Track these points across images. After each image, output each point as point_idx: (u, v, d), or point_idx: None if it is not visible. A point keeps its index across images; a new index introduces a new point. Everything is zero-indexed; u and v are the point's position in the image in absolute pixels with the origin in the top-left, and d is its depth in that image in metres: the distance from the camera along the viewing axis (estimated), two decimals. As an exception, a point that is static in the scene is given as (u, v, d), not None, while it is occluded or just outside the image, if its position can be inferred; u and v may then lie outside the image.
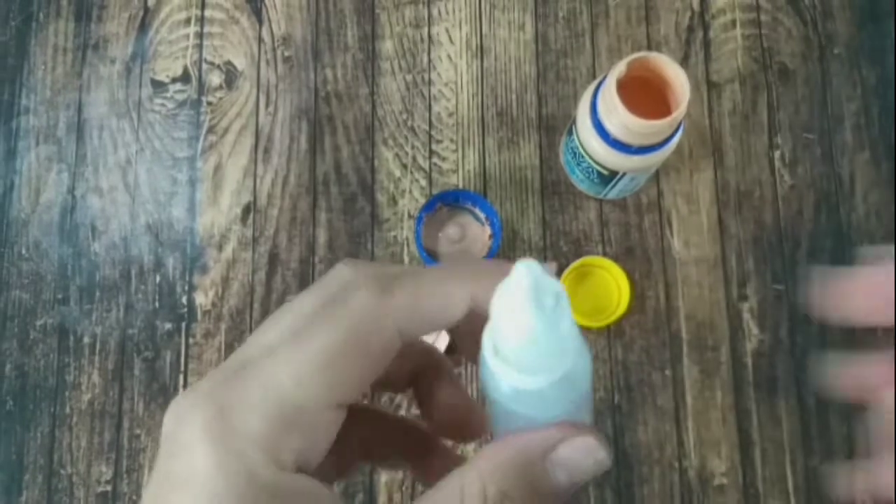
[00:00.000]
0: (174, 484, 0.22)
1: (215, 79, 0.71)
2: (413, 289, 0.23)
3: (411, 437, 0.29)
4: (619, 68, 0.54)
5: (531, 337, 0.19)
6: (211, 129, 0.69)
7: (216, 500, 0.21)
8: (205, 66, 0.71)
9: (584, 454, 0.23)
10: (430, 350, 0.28)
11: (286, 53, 0.71)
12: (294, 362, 0.22)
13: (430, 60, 0.70)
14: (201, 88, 0.70)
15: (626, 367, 0.64)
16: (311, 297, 0.23)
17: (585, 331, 0.64)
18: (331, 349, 0.22)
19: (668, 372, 0.64)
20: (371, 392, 0.27)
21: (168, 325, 0.67)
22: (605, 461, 0.24)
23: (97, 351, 0.66)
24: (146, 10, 0.72)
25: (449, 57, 0.70)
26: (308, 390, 0.22)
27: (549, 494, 0.23)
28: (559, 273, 0.64)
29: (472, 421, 0.28)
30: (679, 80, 0.54)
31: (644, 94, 0.56)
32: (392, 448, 0.29)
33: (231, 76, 0.71)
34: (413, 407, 0.57)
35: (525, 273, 0.18)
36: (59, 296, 0.67)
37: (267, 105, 0.70)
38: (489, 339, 0.21)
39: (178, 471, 0.22)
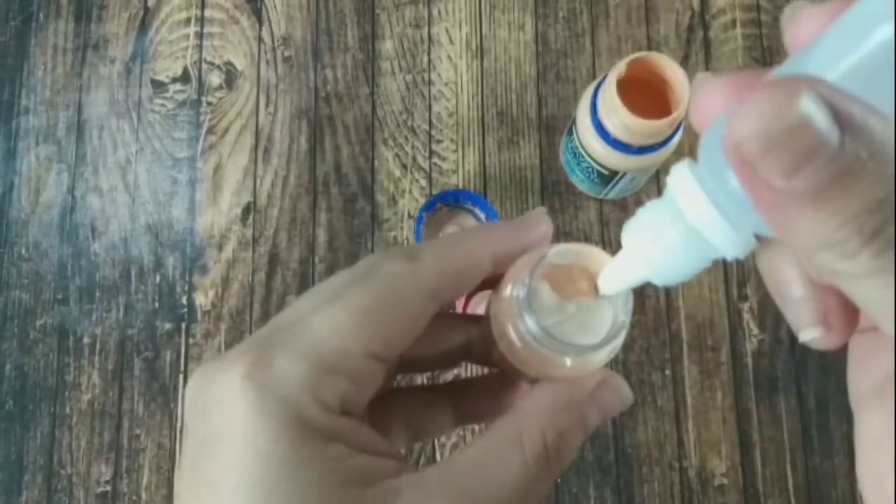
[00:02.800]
0: (212, 444, 0.21)
1: (215, 79, 0.71)
2: (438, 252, 0.24)
3: (455, 397, 0.29)
4: (619, 68, 0.54)
5: None
6: (211, 130, 0.69)
7: (260, 455, 0.20)
8: (205, 66, 0.71)
9: (616, 394, 0.26)
10: (477, 318, 0.29)
11: (286, 53, 0.71)
12: (330, 315, 0.22)
13: (430, 60, 0.70)
14: (201, 88, 0.70)
15: (627, 367, 0.64)
16: (341, 275, 0.24)
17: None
18: (366, 305, 0.23)
19: (668, 372, 0.64)
20: (432, 372, 0.28)
21: (168, 326, 0.67)
22: (629, 399, 0.26)
23: (97, 351, 0.66)
24: (146, 10, 0.72)
25: (449, 57, 0.70)
26: (347, 337, 0.22)
27: (587, 432, 0.25)
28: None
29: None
30: (679, 80, 0.54)
31: (644, 94, 0.56)
32: (437, 417, 0.29)
33: (231, 76, 0.71)
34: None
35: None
36: (59, 296, 0.67)
37: (267, 105, 0.70)
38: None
39: (215, 428, 0.21)
